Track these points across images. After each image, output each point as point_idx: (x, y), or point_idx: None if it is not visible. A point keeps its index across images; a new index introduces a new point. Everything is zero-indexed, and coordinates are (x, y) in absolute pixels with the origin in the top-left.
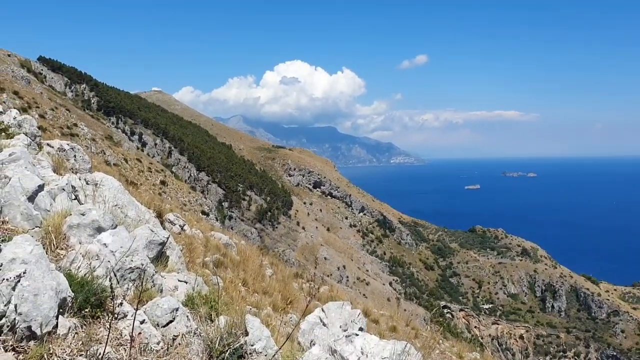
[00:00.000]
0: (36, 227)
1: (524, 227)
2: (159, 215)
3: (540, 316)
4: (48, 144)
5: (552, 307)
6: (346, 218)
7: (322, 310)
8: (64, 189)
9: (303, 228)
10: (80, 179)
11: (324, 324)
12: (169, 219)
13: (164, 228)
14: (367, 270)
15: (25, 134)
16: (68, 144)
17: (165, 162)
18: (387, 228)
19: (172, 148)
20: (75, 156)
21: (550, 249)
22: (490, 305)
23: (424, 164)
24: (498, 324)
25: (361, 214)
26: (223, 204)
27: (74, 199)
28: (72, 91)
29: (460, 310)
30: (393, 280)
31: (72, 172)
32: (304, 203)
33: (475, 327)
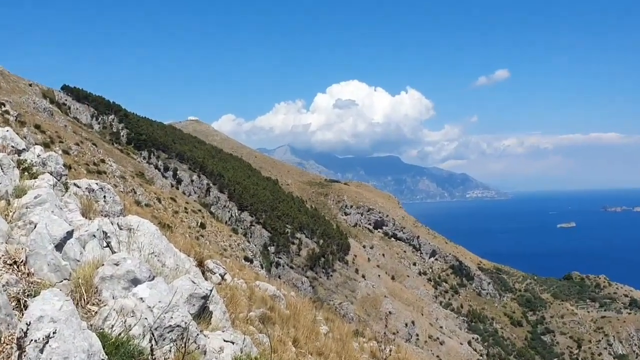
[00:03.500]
0: (65, 279)
1: (632, 273)
2: (200, 264)
3: None
4: (75, 184)
5: None
6: (414, 264)
7: None
8: (94, 236)
9: (363, 276)
10: (112, 224)
11: None
12: (209, 267)
13: (205, 278)
14: (441, 327)
15: (50, 173)
16: (97, 184)
17: (203, 201)
18: (464, 276)
19: (211, 185)
20: (105, 197)
21: None
22: None
23: (507, 198)
24: None
25: (432, 259)
26: (269, 248)
27: (106, 247)
28: (99, 123)
29: None
30: (472, 338)
31: (102, 215)
32: (364, 246)
33: None
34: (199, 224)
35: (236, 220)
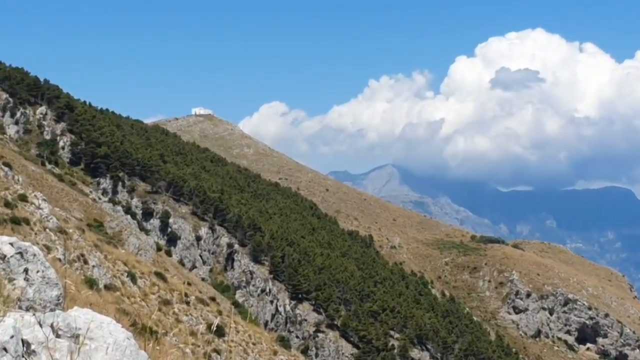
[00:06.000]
0: None
1: None
2: None
3: None
4: None
5: None
6: None
7: None
8: (5, 349)
9: None
10: (41, 325)
11: None
12: None
13: None
14: None
15: None
16: (12, 244)
17: (218, 281)
18: None
19: (236, 246)
20: (27, 271)
21: None
22: None
23: None
24: None
25: None
26: None
27: None
28: (16, 122)
29: None
30: None
31: (22, 307)
32: None
33: None
34: (212, 326)
35: (287, 321)
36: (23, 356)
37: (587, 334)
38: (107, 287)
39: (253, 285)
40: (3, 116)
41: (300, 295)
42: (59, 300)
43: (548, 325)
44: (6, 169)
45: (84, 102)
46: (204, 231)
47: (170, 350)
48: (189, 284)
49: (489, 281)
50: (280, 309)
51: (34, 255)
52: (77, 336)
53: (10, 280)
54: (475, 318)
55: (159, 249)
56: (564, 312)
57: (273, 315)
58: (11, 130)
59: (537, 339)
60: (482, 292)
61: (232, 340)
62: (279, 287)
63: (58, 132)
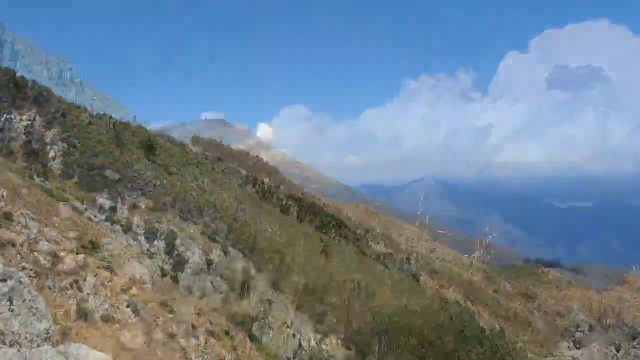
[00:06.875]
0: None
1: None
2: None
3: None
4: None
5: None
6: None
7: None
8: None
9: None
10: None
11: None
12: None
13: None
14: None
15: None
16: None
17: (232, 312)
18: None
19: (252, 271)
20: (11, 301)
21: None
22: None
23: None
24: None
25: None
26: None
27: None
28: (1, 129)
29: None
30: None
31: (4, 341)
32: None
33: None
34: None
35: (312, 357)
36: None
37: None
38: (104, 319)
39: (272, 317)
40: None
41: (326, 328)
42: (48, 333)
43: None
44: None
45: (78, 105)
46: (215, 254)
47: None
48: (198, 314)
49: (545, 311)
50: (304, 343)
51: (20, 282)
52: None
53: None
54: (529, 354)
55: (163, 274)
56: (633, 347)
57: (296, 352)
58: None
59: None
60: (537, 323)
61: None
62: (302, 319)
63: (48, 140)
